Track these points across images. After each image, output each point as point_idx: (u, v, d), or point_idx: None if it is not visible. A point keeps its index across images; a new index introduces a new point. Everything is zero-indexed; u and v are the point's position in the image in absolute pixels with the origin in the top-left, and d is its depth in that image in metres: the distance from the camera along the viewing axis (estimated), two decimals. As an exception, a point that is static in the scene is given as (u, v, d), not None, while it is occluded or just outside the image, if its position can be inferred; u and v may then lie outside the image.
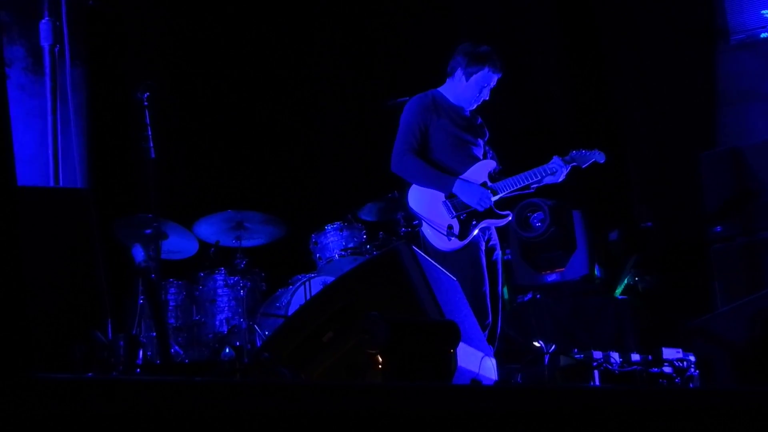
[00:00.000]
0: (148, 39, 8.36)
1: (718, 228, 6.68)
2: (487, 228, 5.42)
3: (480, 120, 5.68)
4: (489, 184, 5.41)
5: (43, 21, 6.41)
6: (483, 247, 5.36)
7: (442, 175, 5.36)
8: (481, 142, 5.59)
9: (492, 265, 5.42)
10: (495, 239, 5.51)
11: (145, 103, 5.73)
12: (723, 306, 5.97)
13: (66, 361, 3.74)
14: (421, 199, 5.38)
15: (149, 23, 8.43)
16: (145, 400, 1.85)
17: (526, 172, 5.45)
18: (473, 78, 5.48)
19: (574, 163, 5.55)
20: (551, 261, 7.74)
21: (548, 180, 5.47)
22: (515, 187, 5.45)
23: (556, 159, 5.46)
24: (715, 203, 6.73)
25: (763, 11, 7.85)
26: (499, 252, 5.52)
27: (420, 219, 5.39)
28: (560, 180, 5.48)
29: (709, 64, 8.17)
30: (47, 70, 6.33)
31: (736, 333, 4.72)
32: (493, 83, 5.53)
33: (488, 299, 5.27)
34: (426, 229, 5.34)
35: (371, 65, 9.19)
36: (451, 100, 5.55)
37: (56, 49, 6.40)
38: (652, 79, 8.42)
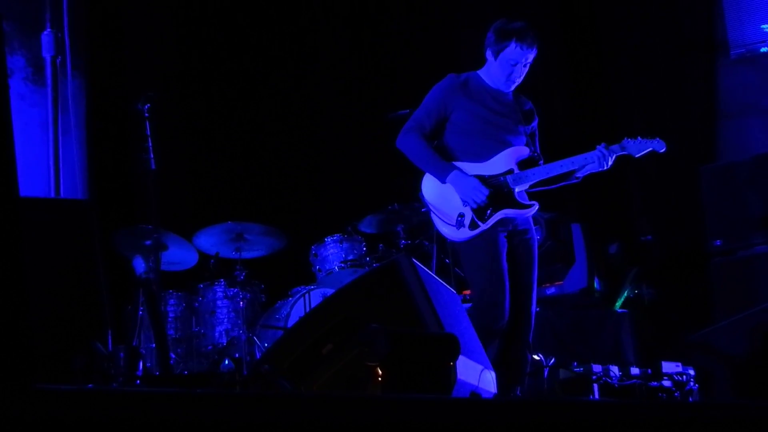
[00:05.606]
0: (149, 50, 8.38)
1: (718, 242, 6.68)
2: (512, 219, 5.04)
3: (529, 105, 5.31)
4: (516, 171, 5.04)
5: (45, 32, 6.45)
6: (502, 238, 4.99)
7: (441, 161, 5.01)
8: (522, 128, 5.20)
9: (520, 252, 5.06)
10: (525, 225, 5.11)
11: (146, 114, 5.74)
12: (722, 320, 5.96)
13: (66, 372, 3.74)
14: (433, 185, 5.07)
15: (150, 34, 8.45)
16: (144, 412, 1.85)
17: (559, 161, 5.07)
18: (501, 56, 5.08)
19: (624, 152, 5.11)
20: (550, 274, 7.73)
21: (590, 168, 5.08)
22: (546, 176, 5.07)
23: (600, 147, 5.06)
24: (715, 217, 6.73)
25: (763, 26, 7.87)
26: (530, 237, 5.11)
27: (427, 207, 5.13)
28: (606, 168, 5.07)
29: (709, 78, 8.19)
30: (49, 81, 6.37)
31: (736, 347, 4.72)
32: (527, 60, 5.10)
33: (507, 293, 4.90)
34: (434, 218, 5.07)
35: (372, 77, 9.20)
36: (488, 82, 5.19)
37: (58, 60, 6.43)
38: (652, 93, 8.42)
